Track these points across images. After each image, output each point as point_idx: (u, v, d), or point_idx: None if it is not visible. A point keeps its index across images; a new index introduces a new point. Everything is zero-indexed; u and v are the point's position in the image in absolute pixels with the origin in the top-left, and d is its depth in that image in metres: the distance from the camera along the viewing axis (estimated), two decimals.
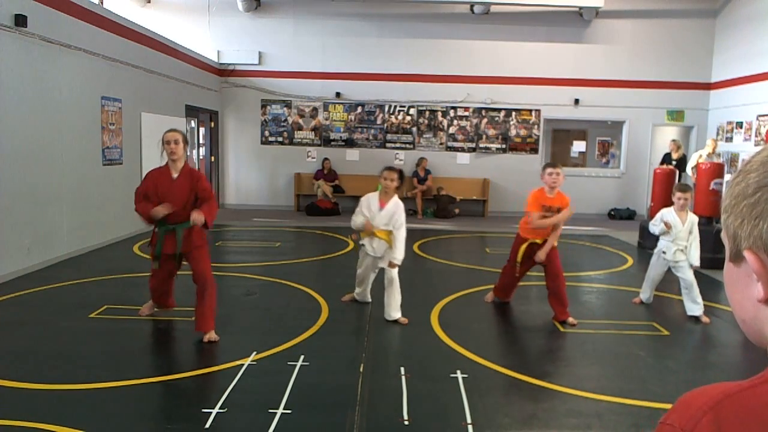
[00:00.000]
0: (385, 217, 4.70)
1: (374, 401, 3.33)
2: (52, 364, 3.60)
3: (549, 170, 4.81)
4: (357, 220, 4.81)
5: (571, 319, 4.88)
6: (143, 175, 9.08)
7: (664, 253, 5.20)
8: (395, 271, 4.79)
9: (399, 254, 4.71)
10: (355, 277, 5.22)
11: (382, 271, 4.92)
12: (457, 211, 12.04)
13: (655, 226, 5.25)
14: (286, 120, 12.74)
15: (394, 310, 4.78)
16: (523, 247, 4.92)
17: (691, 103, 12.60)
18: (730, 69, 11.81)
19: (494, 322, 4.61)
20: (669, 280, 6.95)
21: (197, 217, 4.13)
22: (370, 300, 5.20)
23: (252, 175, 12.85)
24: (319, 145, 12.79)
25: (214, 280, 4.37)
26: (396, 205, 4.72)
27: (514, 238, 5.15)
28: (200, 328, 4.25)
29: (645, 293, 5.64)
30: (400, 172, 4.79)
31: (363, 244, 4.83)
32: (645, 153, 12.78)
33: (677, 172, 9.33)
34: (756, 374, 0.65)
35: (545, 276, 4.94)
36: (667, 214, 5.15)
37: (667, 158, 10.58)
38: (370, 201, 4.77)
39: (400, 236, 4.70)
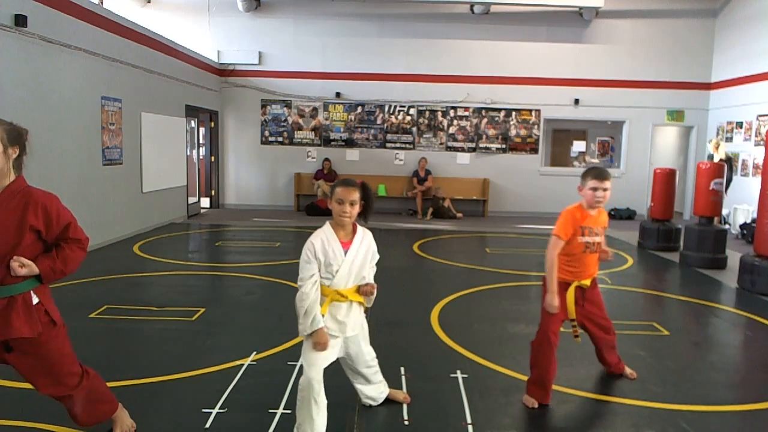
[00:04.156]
0: (356, 262, 2.84)
1: None
2: None
3: (593, 183, 3.25)
4: (305, 303, 2.72)
5: (629, 370, 3.76)
6: (143, 176, 9.31)
7: None
8: (366, 332, 3.03)
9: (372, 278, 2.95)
10: None
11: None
12: (450, 204, 12.02)
13: None
14: (286, 120, 12.75)
15: (379, 389, 3.20)
16: (570, 294, 3.32)
17: (691, 103, 12.60)
18: (730, 69, 11.82)
19: (494, 322, 4.61)
20: (670, 280, 6.96)
21: (15, 265, 2.24)
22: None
23: (252, 175, 12.86)
24: (319, 145, 12.80)
25: (79, 377, 2.62)
26: (365, 235, 2.93)
27: (540, 280, 3.49)
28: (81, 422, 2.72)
29: None
30: (363, 187, 2.86)
31: (325, 326, 2.80)
32: (645, 153, 12.78)
33: (676, 173, 9.28)
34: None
35: (591, 327, 3.53)
36: None
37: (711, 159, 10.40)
38: (324, 246, 2.83)
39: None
